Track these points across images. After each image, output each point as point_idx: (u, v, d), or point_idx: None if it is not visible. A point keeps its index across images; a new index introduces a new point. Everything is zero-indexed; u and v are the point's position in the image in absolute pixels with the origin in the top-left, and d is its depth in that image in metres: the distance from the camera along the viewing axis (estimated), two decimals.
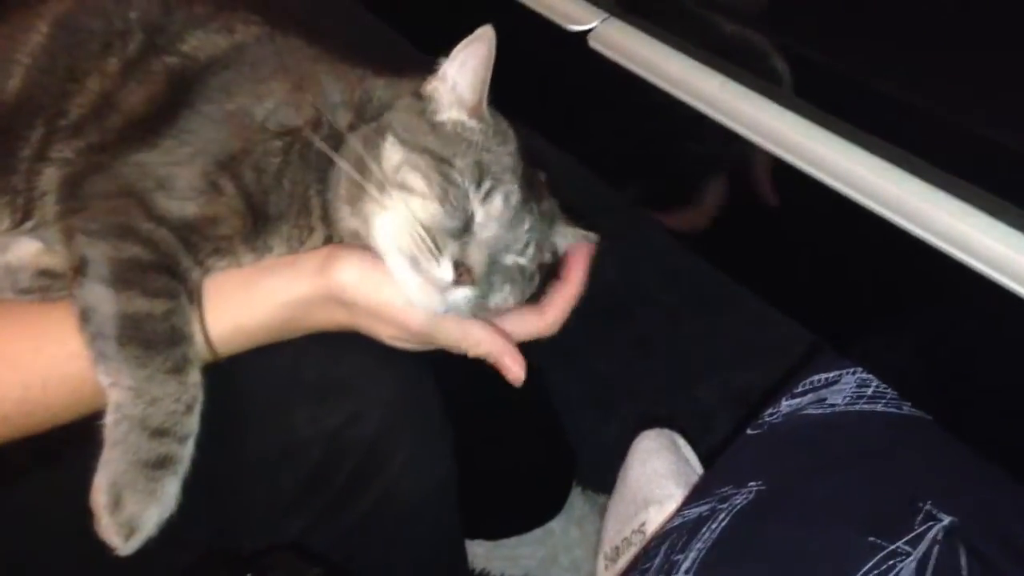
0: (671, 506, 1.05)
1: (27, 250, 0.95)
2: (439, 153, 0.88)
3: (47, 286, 0.92)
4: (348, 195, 0.90)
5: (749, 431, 0.93)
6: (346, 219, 0.90)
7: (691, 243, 1.09)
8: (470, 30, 0.88)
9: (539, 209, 0.92)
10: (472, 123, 0.91)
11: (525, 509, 1.59)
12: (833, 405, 0.88)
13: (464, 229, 0.86)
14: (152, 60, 1.01)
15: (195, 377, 0.85)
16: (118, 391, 0.83)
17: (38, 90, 1.01)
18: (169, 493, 0.83)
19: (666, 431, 1.18)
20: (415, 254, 0.85)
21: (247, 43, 1.03)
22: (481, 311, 0.89)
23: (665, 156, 1.03)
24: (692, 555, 0.82)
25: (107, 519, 0.82)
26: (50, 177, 0.99)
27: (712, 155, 0.93)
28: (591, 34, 0.94)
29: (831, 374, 0.92)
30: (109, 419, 0.83)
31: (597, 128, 1.06)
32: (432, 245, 0.85)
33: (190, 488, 0.95)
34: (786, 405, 0.92)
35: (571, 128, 1.10)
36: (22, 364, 0.86)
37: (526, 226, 0.89)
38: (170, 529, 0.96)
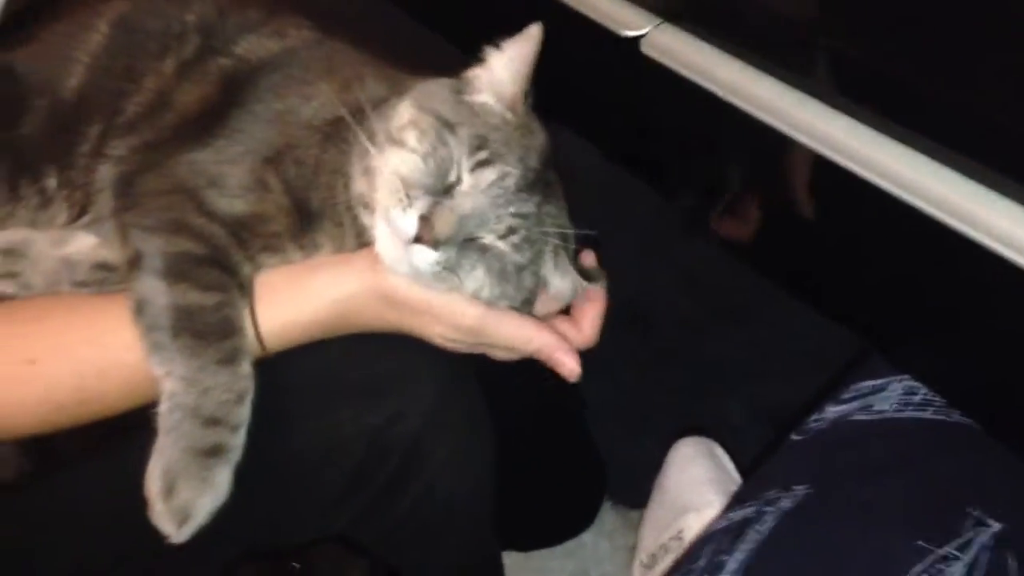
0: (709, 513, 1.06)
1: (85, 244, 0.97)
2: (446, 118, 0.89)
3: (103, 279, 0.94)
4: (361, 165, 0.92)
5: (794, 436, 0.93)
6: (357, 181, 0.92)
7: (741, 249, 1.09)
8: None
9: (541, 209, 0.91)
10: (499, 109, 0.92)
11: (556, 521, 1.59)
12: (881, 411, 0.89)
13: (444, 191, 0.86)
14: (207, 61, 1.04)
15: (246, 368, 0.87)
16: (172, 380, 0.85)
17: (97, 88, 1.04)
18: (221, 481, 0.84)
19: (704, 439, 1.18)
20: (387, 204, 0.86)
21: (297, 47, 1.06)
22: (450, 286, 0.88)
23: (716, 162, 1.03)
24: (738, 556, 0.83)
25: (161, 506, 0.83)
26: (105, 173, 1.01)
27: (764, 159, 0.93)
28: (643, 40, 0.95)
29: (878, 381, 0.92)
30: (163, 407, 0.85)
31: (646, 134, 1.07)
32: (404, 196, 0.85)
33: (236, 481, 0.96)
34: (832, 411, 0.92)
35: (619, 133, 1.11)
36: (78, 353, 0.87)
37: (513, 210, 0.88)
38: (217, 521, 0.99)
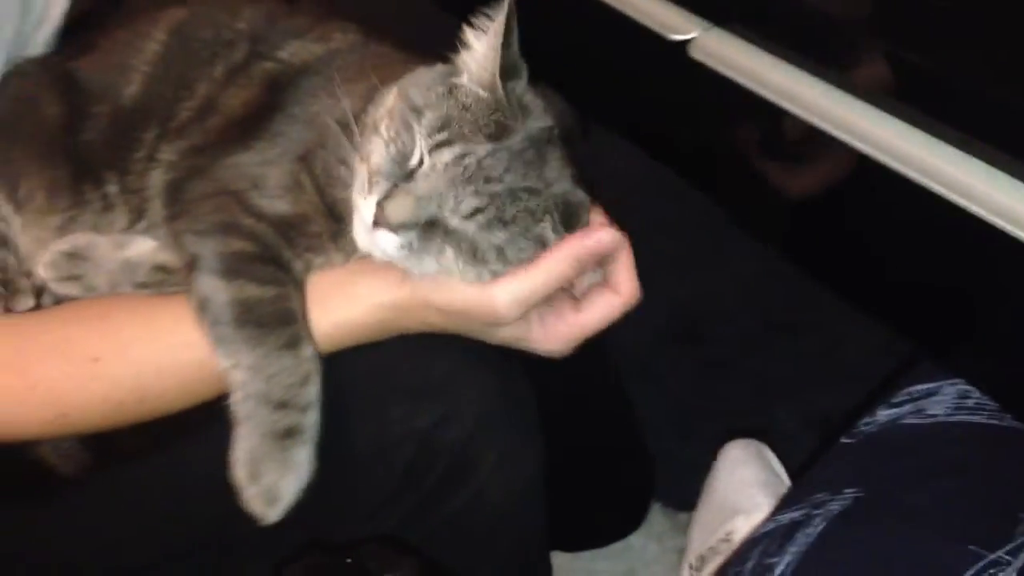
0: (759, 516, 1.05)
1: (144, 247, 1.00)
2: (415, 103, 0.88)
3: (162, 281, 0.97)
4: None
5: (844, 440, 0.93)
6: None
7: (795, 254, 1.08)
8: (570, 39, 0.89)
9: (523, 184, 0.87)
10: (474, 89, 0.89)
11: (604, 522, 1.59)
12: (933, 415, 0.88)
13: (406, 176, 0.86)
14: (252, 66, 1.06)
15: (308, 351, 0.89)
16: (239, 371, 0.87)
17: (153, 95, 1.07)
18: (301, 460, 0.88)
19: (753, 442, 1.18)
20: (356, 192, 0.88)
21: (340, 49, 1.07)
22: (422, 269, 0.88)
23: (765, 166, 1.03)
24: (787, 559, 0.83)
25: (250, 490, 0.86)
26: (157, 179, 1.04)
27: (815, 164, 0.93)
28: (692, 44, 0.95)
29: (930, 385, 0.92)
30: (236, 398, 0.87)
31: (694, 138, 1.07)
32: (366, 183, 0.86)
33: None
34: (883, 415, 0.92)
35: (667, 138, 1.11)
36: (137, 352, 0.90)
37: (475, 188, 0.85)
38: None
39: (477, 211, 0.85)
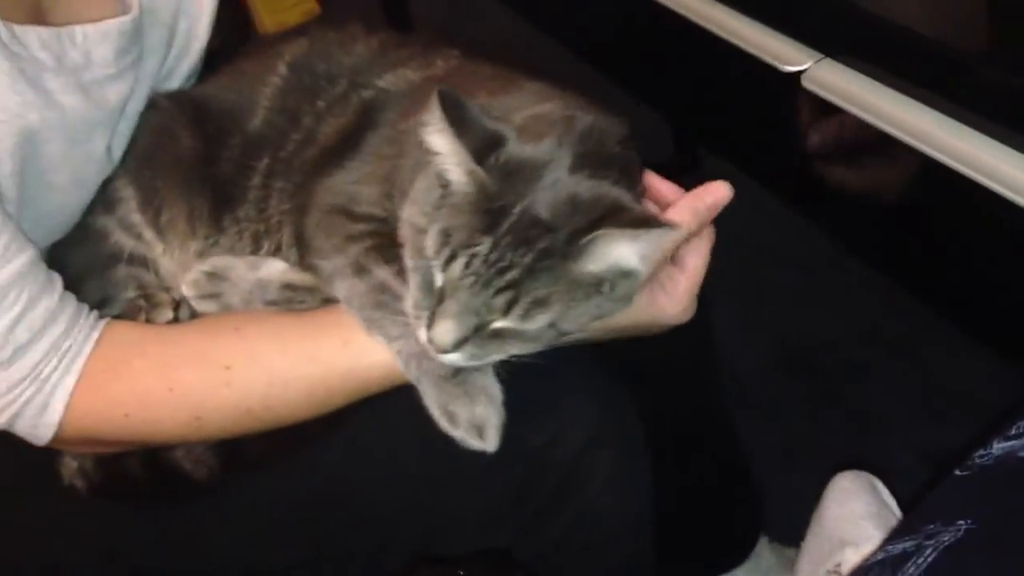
0: (869, 548, 1.04)
1: (274, 268, 1.06)
2: (419, 225, 0.88)
3: (290, 299, 1.02)
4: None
5: (957, 472, 0.91)
6: None
7: (910, 282, 1.07)
8: (684, 71, 0.90)
9: (531, 255, 0.83)
10: (458, 177, 0.87)
11: (711, 553, 1.58)
12: None
13: (440, 300, 0.85)
14: (350, 96, 1.10)
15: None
16: (395, 343, 0.92)
17: (270, 128, 1.13)
18: (481, 385, 0.91)
19: (864, 473, 1.16)
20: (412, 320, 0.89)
21: (437, 75, 1.09)
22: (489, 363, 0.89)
23: (880, 196, 1.03)
24: None
25: (456, 432, 0.90)
26: (275, 208, 1.10)
27: (930, 193, 0.93)
28: (805, 75, 0.97)
29: None
30: (402, 367, 0.92)
31: (807, 168, 1.08)
32: (414, 319, 0.88)
33: (400, 495, 1.02)
34: (998, 447, 0.90)
35: (780, 168, 1.12)
36: (268, 362, 0.94)
37: (497, 285, 0.83)
38: (381, 536, 1.04)
39: (511, 304, 0.84)
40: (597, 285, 0.86)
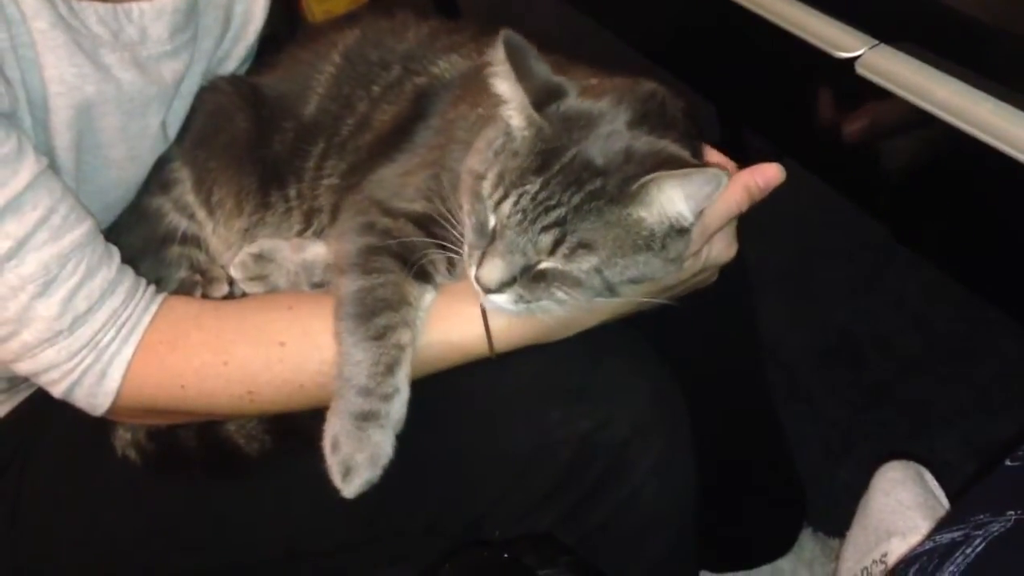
0: (915, 539, 1.03)
1: (319, 250, 1.08)
2: (477, 171, 0.92)
3: None
4: None
5: (1008, 463, 0.90)
6: None
7: (962, 273, 1.06)
8: (737, 57, 0.90)
9: (579, 195, 0.86)
10: (519, 125, 0.91)
11: (754, 544, 1.58)
12: None
13: (491, 241, 0.89)
14: (404, 83, 1.13)
15: (398, 340, 0.93)
16: (339, 355, 0.94)
17: (324, 114, 1.16)
18: (378, 441, 0.92)
19: (912, 463, 1.15)
20: (466, 267, 0.92)
21: (487, 62, 1.11)
22: (542, 314, 0.91)
23: (934, 183, 1.02)
24: None
25: (329, 459, 0.92)
26: (325, 190, 1.12)
27: (985, 180, 0.92)
28: (859, 61, 0.96)
29: None
30: (335, 380, 0.94)
31: (860, 154, 1.07)
32: (467, 258, 0.91)
33: (447, 478, 1.02)
34: None
35: (832, 154, 1.11)
36: (320, 340, 0.96)
37: (543, 223, 0.86)
38: (428, 518, 1.05)
39: (557, 243, 0.87)
40: (647, 238, 0.88)
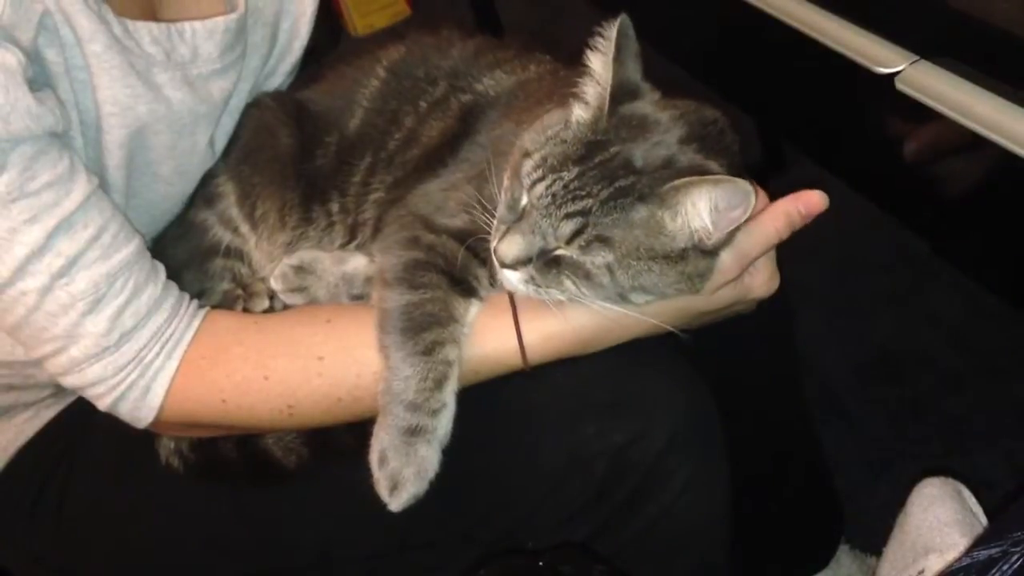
0: (953, 556, 1.02)
1: (360, 262, 1.10)
2: (526, 149, 0.93)
3: None
4: None
5: None
6: None
7: (1003, 289, 1.05)
8: (777, 72, 0.90)
9: (608, 190, 0.88)
10: (581, 117, 0.93)
11: (790, 558, 1.57)
12: None
13: (519, 218, 0.92)
14: (450, 99, 1.14)
15: (444, 356, 0.95)
16: (387, 371, 0.95)
17: (370, 128, 1.17)
18: (424, 456, 0.93)
19: (951, 480, 1.14)
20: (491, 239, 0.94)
21: (531, 79, 1.13)
22: (548, 300, 0.92)
23: (975, 199, 1.01)
24: None
25: (376, 473, 0.93)
26: (370, 203, 1.13)
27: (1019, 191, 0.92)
28: (899, 76, 0.96)
29: None
30: (379, 391, 0.95)
31: (900, 169, 1.07)
32: (494, 230, 0.93)
33: (482, 490, 1.03)
34: None
35: (872, 169, 1.11)
36: (359, 354, 0.98)
37: (567, 210, 0.88)
38: (463, 529, 1.06)
39: (577, 233, 0.89)
40: (667, 247, 0.89)
